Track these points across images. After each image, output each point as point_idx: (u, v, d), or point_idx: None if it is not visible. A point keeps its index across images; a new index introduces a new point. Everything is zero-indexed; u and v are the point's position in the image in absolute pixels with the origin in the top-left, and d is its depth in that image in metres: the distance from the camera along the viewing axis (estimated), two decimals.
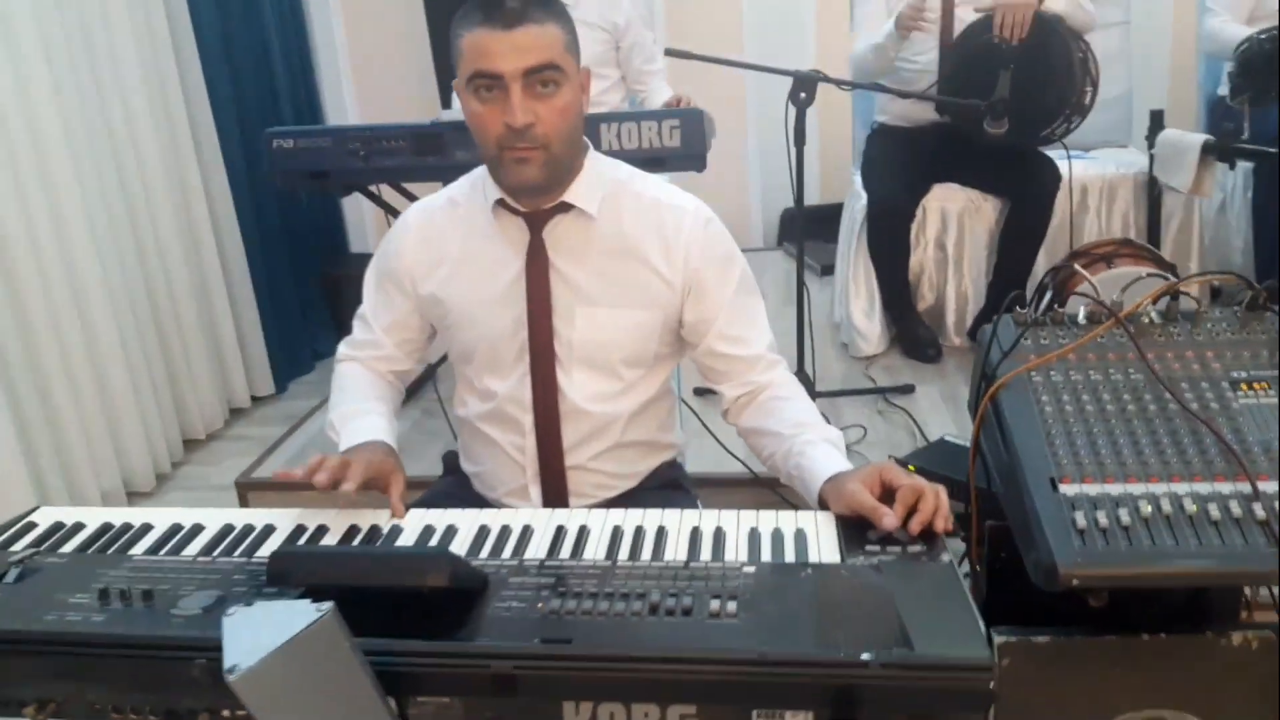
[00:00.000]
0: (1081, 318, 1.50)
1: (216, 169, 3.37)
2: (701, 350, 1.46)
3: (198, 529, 1.24)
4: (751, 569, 1.07)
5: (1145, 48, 3.64)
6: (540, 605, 1.00)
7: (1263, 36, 2.50)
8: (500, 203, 1.40)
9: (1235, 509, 1.21)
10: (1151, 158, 2.83)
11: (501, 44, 1.25)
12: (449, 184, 1.56)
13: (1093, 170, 2.97)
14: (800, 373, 2.53)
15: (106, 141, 2.83)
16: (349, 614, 0.95)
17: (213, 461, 3.24)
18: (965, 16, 2.72)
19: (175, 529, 1.25)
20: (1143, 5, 3.53)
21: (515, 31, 1.25)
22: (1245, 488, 1.23)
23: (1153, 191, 2.86)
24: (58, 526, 1.27)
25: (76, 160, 2.66)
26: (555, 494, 1.46)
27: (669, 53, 2.39)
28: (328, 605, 0.82)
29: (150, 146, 3.00)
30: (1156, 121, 2.84)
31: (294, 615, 0.80)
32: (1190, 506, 1.21)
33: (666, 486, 1.54)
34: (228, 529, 1.24)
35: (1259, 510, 1.20)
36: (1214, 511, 1.21)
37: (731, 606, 0.97)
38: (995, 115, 2.40)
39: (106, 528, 1.26)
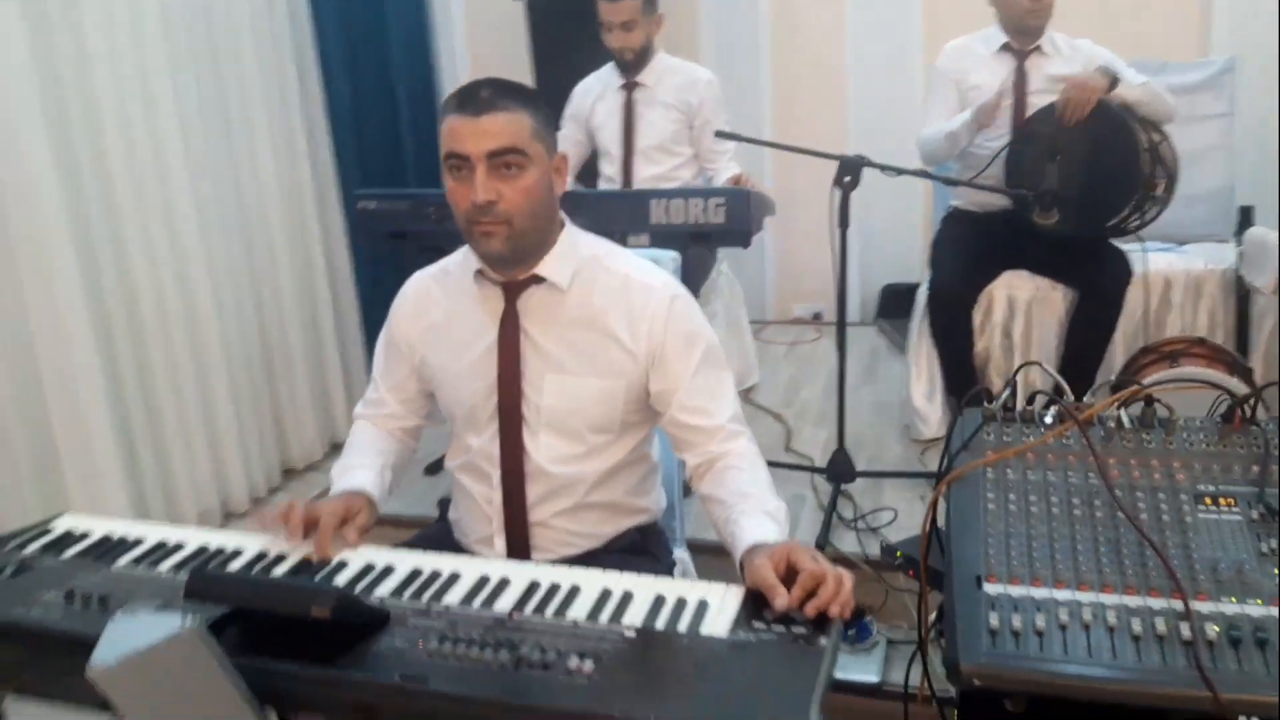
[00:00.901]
0: (1050, 417, 1.47)
1: (335, 217, 3.67)
2: (666, 419, 1.53)
3: (179, 547, 1.39)
4: (634, 634, 1.12)
5: (1257, 140, 3.45)
6: (421, 645, 1.08)
7: None
8: (480, 273, 1.52)
9: (1161, 626, 1.16)
10: (1240, 255, 2.69)
11: (469, 129, 1.38)
12: None
13: (1179, 265, 2.85)
14: (840, 451, 2.53)
15: (232, 184, 3.12)
16: (252, 631, 1.07)
17: (305, 491, 3.46)
18: (1038, 102, 2.69)
19: (160, 545, 1.39)
20: (1252, 97, 3.37)
21: (483, 118, 1.38)
22: (1178, 605, 1.19)
23: (1240, 290, 2.71)
24: (69, 532, 1.45)
25: (199, 198, 2.94)
26: (519, 547, 1.54)
27: (719, 134, 2.49)
28: (193, 621, 0.93)
29: (273, 191, 3.28)
30: (1245, 217, 2.71)
31: (161, 626, 0.92)
32: (1112, 619, 1.18)
33: (633, 551, 1.59)
34: (202, 549, 1.38)
35: (1185, 630, 1.15)
36: (1136, 626, 1.17)
37: (588, 665, 1.03)
38: (1043, 206, 2.35)
39: (107, 539, 1.43)
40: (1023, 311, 2.81)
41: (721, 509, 1.43)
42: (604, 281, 1.53)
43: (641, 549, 1.61)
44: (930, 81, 2.96)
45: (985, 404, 1.50)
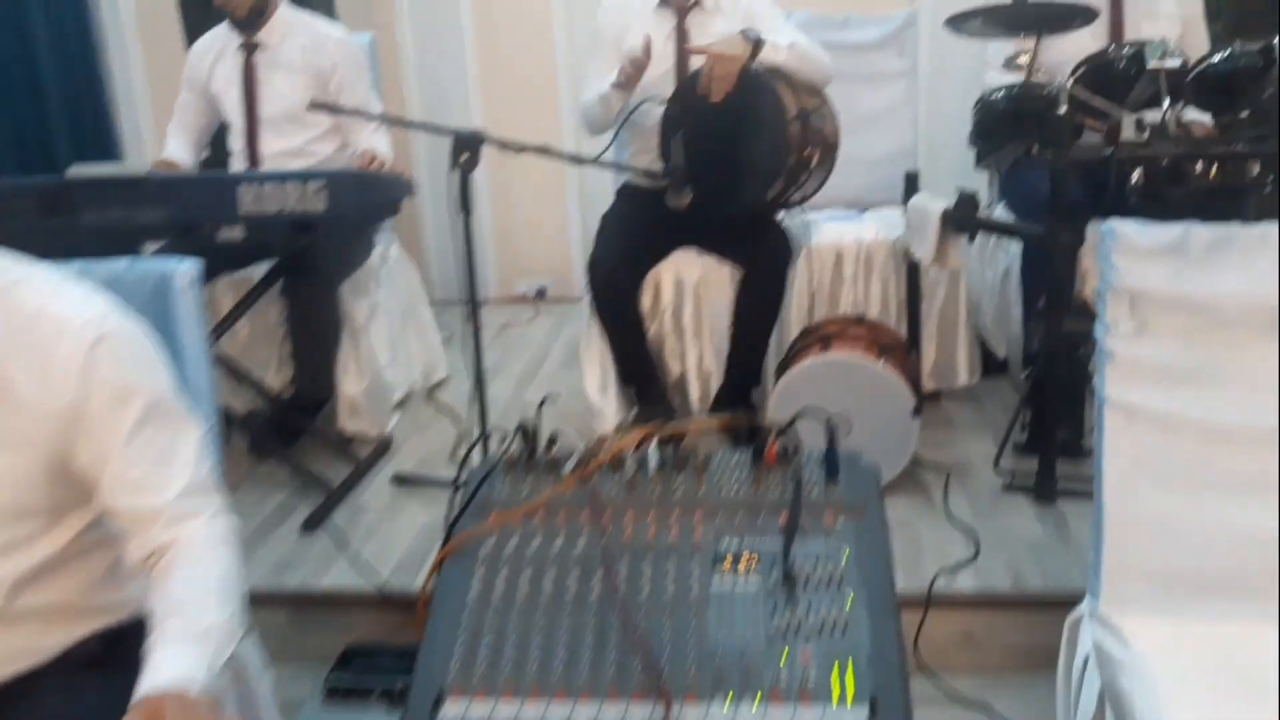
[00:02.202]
0: (572, 461, 1.23)
1: None
2: (103, 502, 1.19)
3: None
4: None
5: (931, 100, 3.41)
6: None
7: (994, 96, 2.26)
8: None
9: None
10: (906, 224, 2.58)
11: None
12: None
13: (850, 234, 2.72)
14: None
15: None
16: None
17: None
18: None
19: None
20: (936, 52, 3.31)
21: None
22: (661, 713, 0.97)
23: (911, 261, 2.61)
24: None
25: None
26: None
27: (312, 105, 2.12)
28: None
29: None
30: (910, 184, 2.60)
31: None
32: None
33: (91, 665, 1.25)
34: None
35: None
36: None
37: None
38: (676, 185, 2.14)
39: None
40: (691, 293, 2.61)
41: (154, 631, 1.11)
42: (6, 321, 1.16)
43: (107, 661, 1.26)
44: (591, 40, 2.70)
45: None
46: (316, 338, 2.57)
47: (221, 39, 2.68)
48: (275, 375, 2.75)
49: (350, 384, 2.70)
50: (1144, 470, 1.47)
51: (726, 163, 2.31)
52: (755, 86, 2.29)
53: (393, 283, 2.99)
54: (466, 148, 2.06)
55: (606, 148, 2.33)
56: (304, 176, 2.08)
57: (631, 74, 2.37)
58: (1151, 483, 1.47)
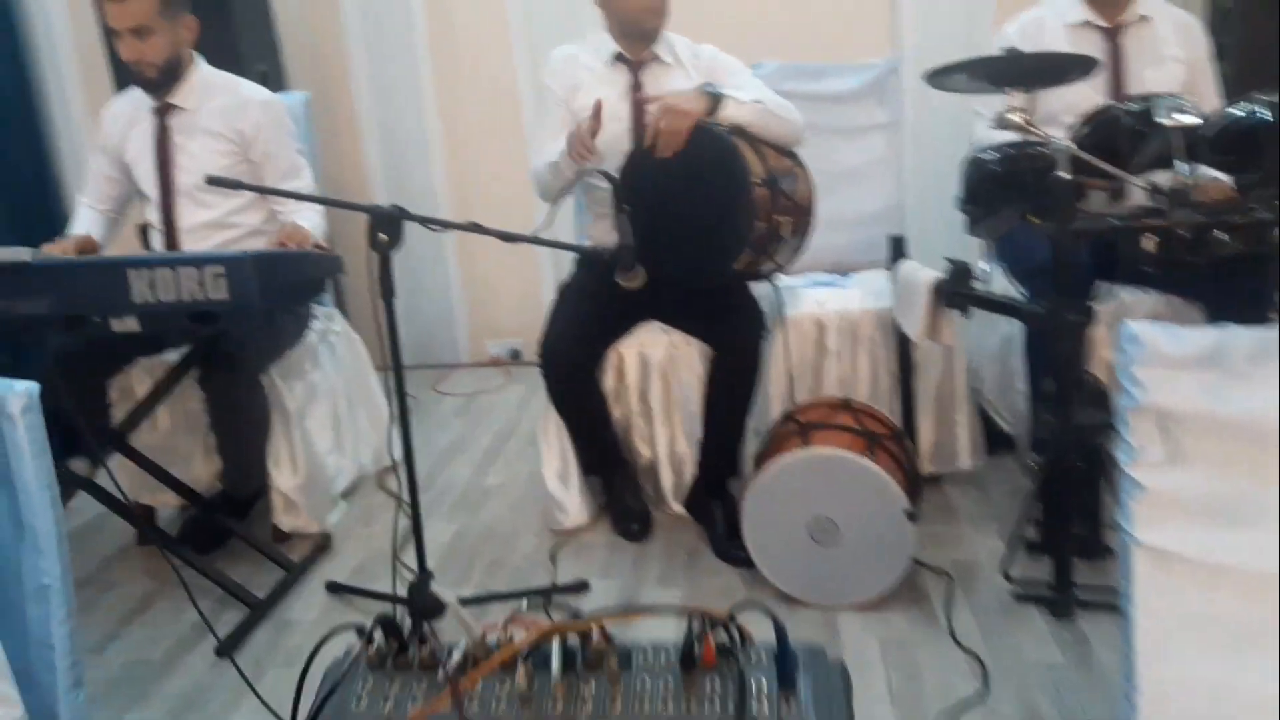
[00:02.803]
0: (451, 664, 0.96)
1: None
2: None
3: None
4: None
5: (929, 151, 3.17)
6: None
7: (986, 156, 2.01)
8: None
9: None
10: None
11: None
12: None
13: (833, 304, 2.46)
14: (423, 575, 1.98)
15: None
16: None
17: None
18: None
19: None
20: (921, 102, 3.06)
21: None
22: None
23: (900, 333, 2.35)
24: None
25: None
26: None
27: (209, 180, 1.86)
28: None
29: None
30: (896, 248, 2.35)
31: None
32: None
33: None
34: None
35: None
36: None
37: None
38: (623, 264, 1.89)
39: None
40: (658, 372, 2.35)
41: None
42: None
43: None
44: (540, 100, 2.46)
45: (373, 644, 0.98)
46: (242, 431, 2.31)
47: (135, 101, 2.44)
48: (202, 466, 2.49)
49: (284, 477, 2.43)
50: (1183, 627, 1.20)
51: (686, 234, 2.07)
52: (716, 148, 2.04)
53: (335, 359, 2.74)
54: (384, 228, 1.80)
55: (546, 223, 2.08)
56: (200, 260, 1.83)
57: (581, 146, 2.13)
58: (1192, 642, 1.20)
